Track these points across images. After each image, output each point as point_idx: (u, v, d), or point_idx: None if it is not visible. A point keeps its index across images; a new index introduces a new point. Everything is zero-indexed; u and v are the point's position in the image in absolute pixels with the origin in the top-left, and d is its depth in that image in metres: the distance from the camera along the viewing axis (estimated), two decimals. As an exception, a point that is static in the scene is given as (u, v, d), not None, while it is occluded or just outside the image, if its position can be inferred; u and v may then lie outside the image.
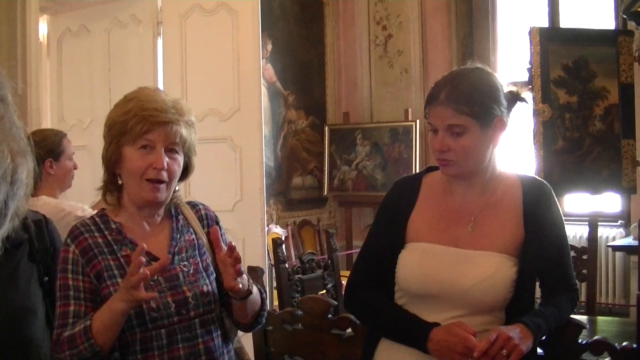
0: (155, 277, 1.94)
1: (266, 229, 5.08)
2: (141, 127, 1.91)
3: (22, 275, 2.26)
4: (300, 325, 2.44)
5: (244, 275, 1.93)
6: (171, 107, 1.95)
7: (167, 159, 1.93)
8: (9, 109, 0.60)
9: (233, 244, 1.89)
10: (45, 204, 2.97)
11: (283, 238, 6.48)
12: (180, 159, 2.00)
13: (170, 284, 1.97)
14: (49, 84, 5.60)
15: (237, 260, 1.86)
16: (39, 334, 2.27)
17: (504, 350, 1.81)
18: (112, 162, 1.98)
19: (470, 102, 1.94)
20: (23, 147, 0.59)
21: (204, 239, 2.10)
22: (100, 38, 5.25)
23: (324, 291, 3.82)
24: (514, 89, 2.10)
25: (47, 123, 5.59)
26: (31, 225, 2.36)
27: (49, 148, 2.98)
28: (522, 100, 2.10)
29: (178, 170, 1.99)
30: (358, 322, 2.24)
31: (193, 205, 2.17)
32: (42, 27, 5.57)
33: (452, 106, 1.95)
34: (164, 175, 1.93)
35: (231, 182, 4.76)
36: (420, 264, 2.02)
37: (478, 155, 2.00)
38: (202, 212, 2.15)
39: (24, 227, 2.33)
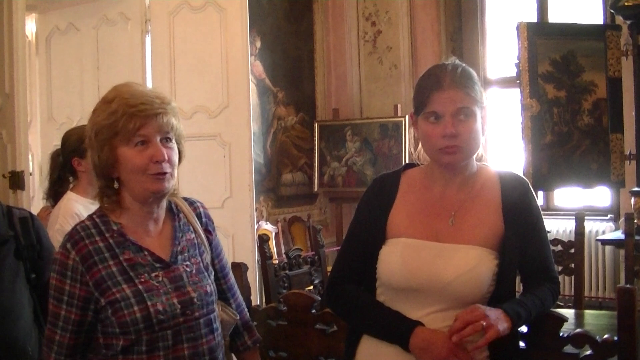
0: (160, 279, 1.94)
1: (256, 225, 5.09)
2: (134, 124, 1.87)
3: (7, 273, 2.26)
4: (284, 320, 2.46)
5: None
6: (155, 98, 1.93)
7: (164, 149, 1.91)
8: None
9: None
10: (62, 204, 3.02)
11: (273, 234, 6.49)
12: (176, 147, 1.98)
13: (174, 284, 1.95)
14: (38, 82, 5.60)
15: None
16: (23, 332, 2.27)
17: (483, 322, 1.82)
18: (108, 166, 1.93)
19: (473, 87, 1.99)
20: None
21: (203, 237, 2.10)
22: (88, 36, 5.24)
23: (311, 287, 3.83)
24: None
25: (37, 122, 5.59)
26: (17, 223, 2.36)
27: (71, 147, 3.02)
28: None
29: (176, 158, 1.97)
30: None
31: (191, 202, 2.15)
32: (31, 25, 5.56)
33: (462, 89, 1.97)
34: (166, 167, 1.91)
35: (220, 179, 4.78)
36: (401, 259, 2.02)
37: (479, 140, 2.02)
38: (200, 209, 2.16)
39: (9, 224, 2.34)
